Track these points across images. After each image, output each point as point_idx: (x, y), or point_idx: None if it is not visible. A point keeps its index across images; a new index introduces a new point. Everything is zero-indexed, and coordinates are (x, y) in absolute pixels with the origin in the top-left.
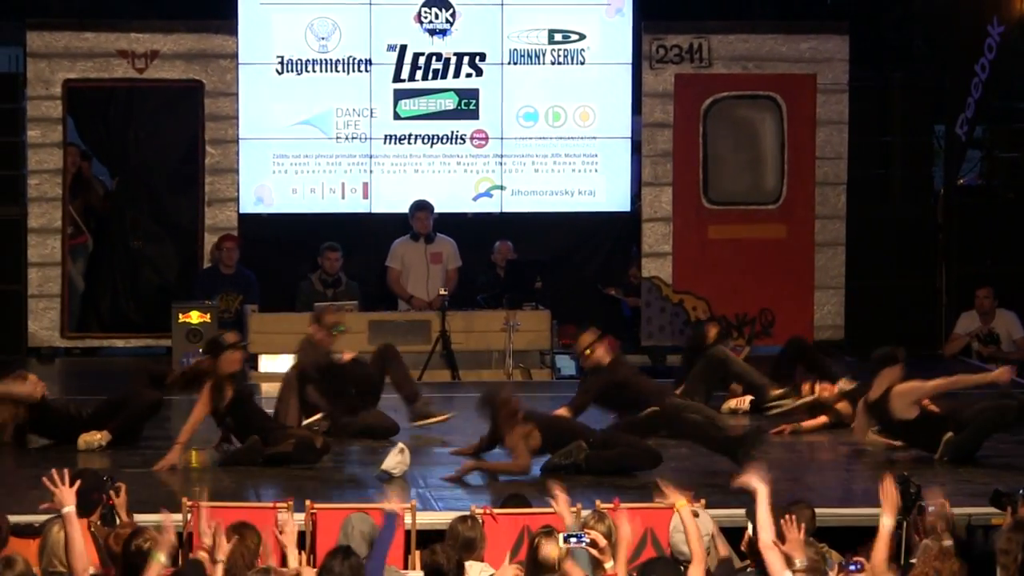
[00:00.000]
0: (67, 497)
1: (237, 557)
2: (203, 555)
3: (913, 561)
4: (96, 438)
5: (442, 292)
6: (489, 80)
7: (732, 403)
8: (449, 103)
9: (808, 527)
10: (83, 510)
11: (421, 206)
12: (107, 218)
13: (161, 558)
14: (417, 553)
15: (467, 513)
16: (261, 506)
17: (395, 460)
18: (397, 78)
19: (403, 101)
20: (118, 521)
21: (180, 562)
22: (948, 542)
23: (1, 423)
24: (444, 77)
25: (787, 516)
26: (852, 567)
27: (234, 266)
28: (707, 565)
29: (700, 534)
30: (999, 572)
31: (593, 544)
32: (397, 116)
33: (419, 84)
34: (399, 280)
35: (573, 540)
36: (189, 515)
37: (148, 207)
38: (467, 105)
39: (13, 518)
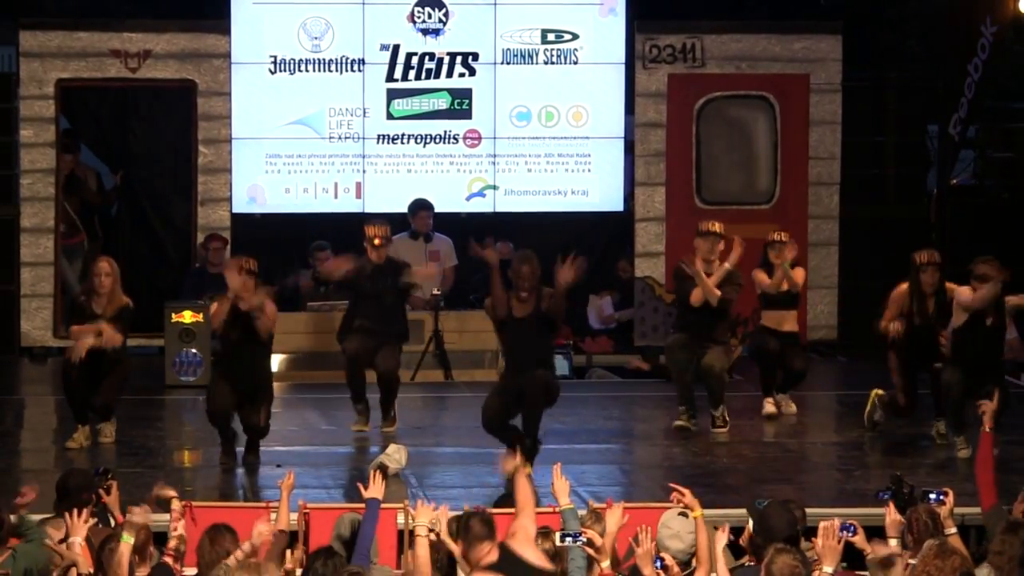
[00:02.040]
0: (79, 530)
1: (211, 561)
2: (169, 559)
3: (912, 561)
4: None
5: (436, 292)
6: (482, 80)
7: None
8: (442, 103)
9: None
10: (72, 508)
11: (423, 205)
12: (103, 215)
13: (129, 539)
14: (409, 553)
15: (460, 513)
16: (254, 506)
17: (392, 456)
18: (390, 78)
19: (396, 101)
20: (111, 520)
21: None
22: (952, 530)
23: None
24: (437, 77)
25: (826, 525)
26: (847, 530)
27: (222, 265)
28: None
29: (713, 543)
30: (991, 572)
31: (590, 543)
32: (390, 116)
33: (412, 84)
34: None
35: (569, 539)
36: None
37: (141, 206)
38: (460, 105)
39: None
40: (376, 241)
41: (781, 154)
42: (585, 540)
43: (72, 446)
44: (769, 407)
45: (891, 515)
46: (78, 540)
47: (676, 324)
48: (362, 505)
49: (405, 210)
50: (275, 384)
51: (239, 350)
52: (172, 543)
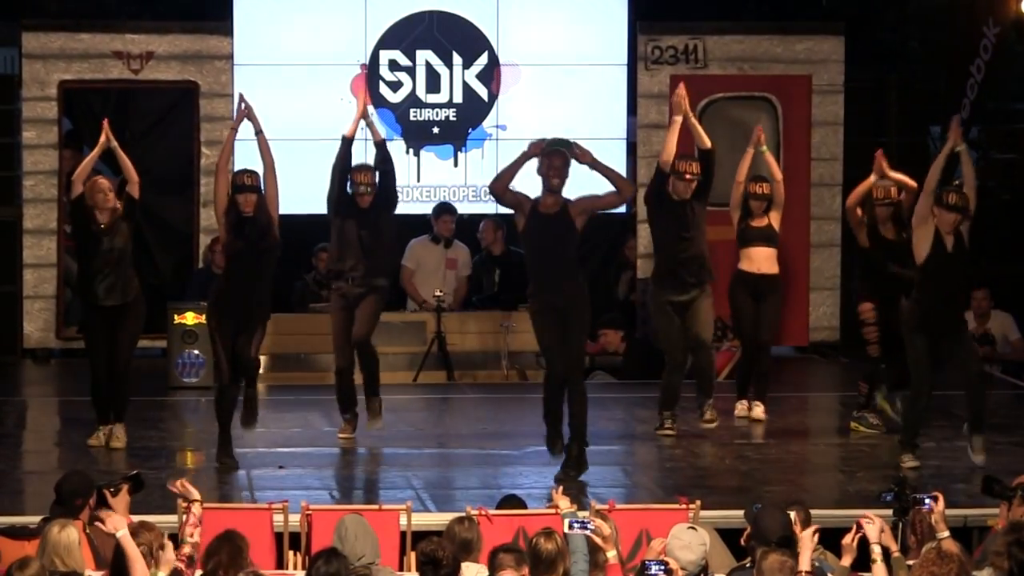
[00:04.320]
0: (118, 523)
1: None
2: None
3: (910, 563)
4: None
5: (437, 293)
6: (484, 80)
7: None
8: (444, 103)
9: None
10: (67, 513)
11: (447, 209)
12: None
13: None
14: (412, 554)
15: (463, 514)
16: (256, 507)
17: None
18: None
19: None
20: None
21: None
22: (944, 533)
23: None
24: (440, 77)
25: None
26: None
27: None
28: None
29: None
30: (991, 573)
31: (597, 532)
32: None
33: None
34: (411, 280)
35: (577, 526)
36: (184, 516)
37: (142, 207)
38: (463, 105)
39: (7, 519)
40: (361, 188)
41: (783, 155)
42: (593, 528)
43: (94, 443)
44: (739, 409)
45: (877, 520)
46: (125, 532)
47: (655, 277)
48: (362, 506)
49: (408, 212)
50: (274, 385)
51: (245, 264)
52: (186, 549)
